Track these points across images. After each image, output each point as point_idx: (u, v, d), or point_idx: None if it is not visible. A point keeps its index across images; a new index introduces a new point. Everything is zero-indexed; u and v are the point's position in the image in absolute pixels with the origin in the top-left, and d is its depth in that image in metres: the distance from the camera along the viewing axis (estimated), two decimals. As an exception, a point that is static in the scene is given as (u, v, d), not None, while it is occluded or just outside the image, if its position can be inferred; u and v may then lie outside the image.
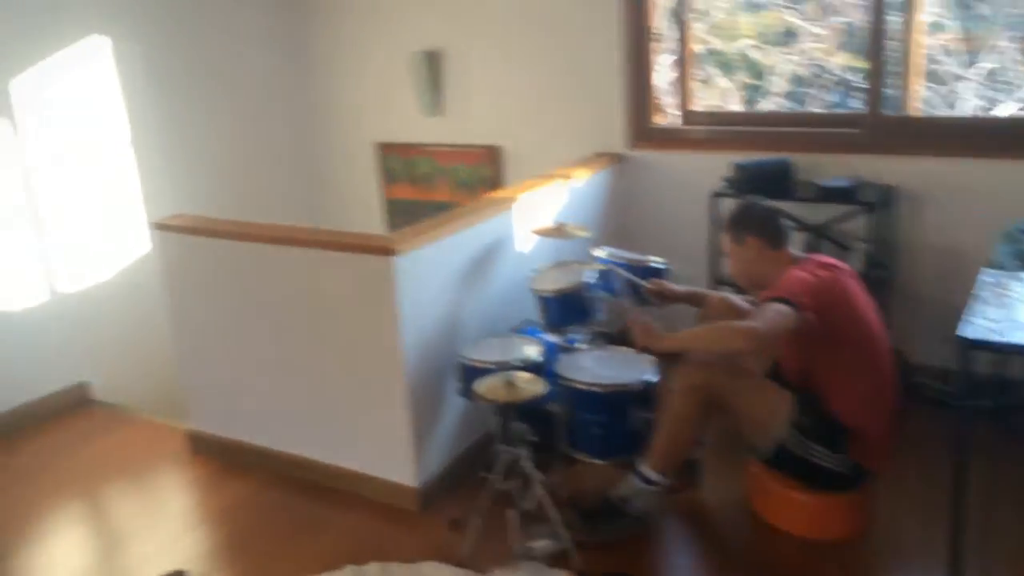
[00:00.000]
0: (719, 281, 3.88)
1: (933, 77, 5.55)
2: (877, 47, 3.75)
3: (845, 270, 2.74)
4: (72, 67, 3.97)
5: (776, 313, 2.55)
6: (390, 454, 3.07)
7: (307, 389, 3.22)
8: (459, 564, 2.71)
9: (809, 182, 3.78)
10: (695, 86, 4.42)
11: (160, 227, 3.35)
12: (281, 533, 3.00)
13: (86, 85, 4.04)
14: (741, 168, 3.83)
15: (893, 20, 3.73)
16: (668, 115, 4.36)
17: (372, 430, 3.10)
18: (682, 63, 4.23)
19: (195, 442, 3.53)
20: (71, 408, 3.93)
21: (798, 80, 7.78)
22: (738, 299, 3.08)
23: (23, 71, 3.80)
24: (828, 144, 3.88)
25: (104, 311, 4.11)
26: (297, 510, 3.12)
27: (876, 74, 3.79)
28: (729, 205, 3.88)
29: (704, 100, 4.59)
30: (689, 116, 4.29)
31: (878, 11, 3.70)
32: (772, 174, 3.83)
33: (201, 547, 2.96)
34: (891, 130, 3.78)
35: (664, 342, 2.73)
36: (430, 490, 3.09)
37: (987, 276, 2.69)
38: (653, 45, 4.25)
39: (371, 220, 5.20)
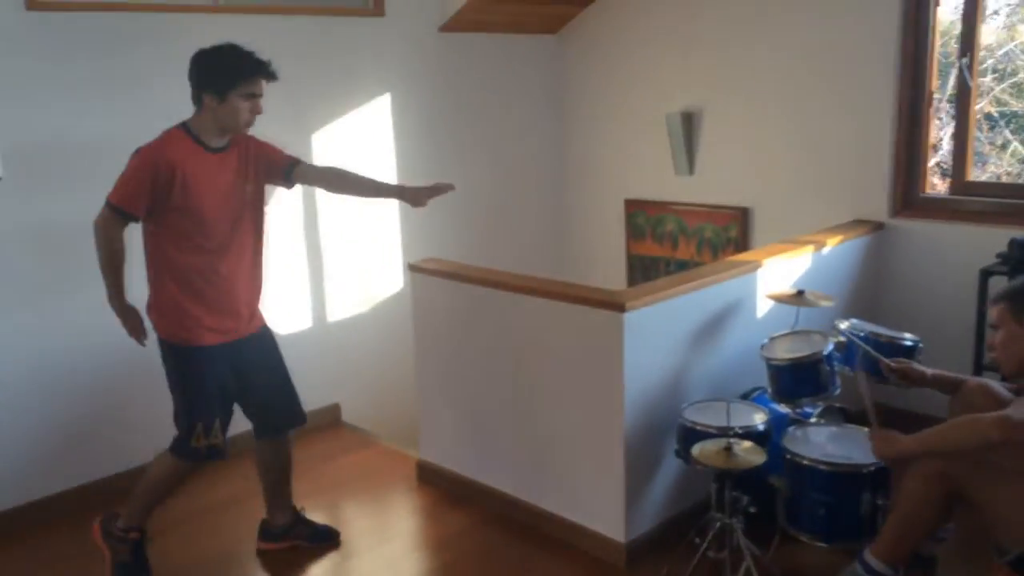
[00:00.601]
0: (982, 367, 3.52)
1: None
2: None
3: None
4: (360, 122, 4.43)
5: None
6: (602, 507, 3.07)
7: (531, 433, 3.31)
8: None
9: (1101, 265, 3.36)
10: (987, 151, 4.09)
11: (414, 268, 3.62)
12: (490, 569, 3.10)
13: (367, 137, 4.48)
14: (1019, 244, 3.48)
15: None
16: (941, 183, 4.07)
17: (587, 481, 3.13)
18: (962, 128, 3.93)
19: (423, 471, 3.73)
20: (324, 426, 4.31)
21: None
22: (999, 386, 2.78)
23: (322, 127, 4.29)
24: None
25: (360, 341, 4.49)
26: (508, 549, 3.21)
27: None
28: (1000, 284, 3.57)
29: (995, 167, 4.24)
30: (963, 186, 3.97)
31: None
32: (1055, 253, 3.45)
33: (416, 571, 3.13)
34: None
35: (906, 446, 2.52)
36: (638, 548, 3.04)
37: None
38: (932, 109, 4.00)
39: (614, 275, 5.27)
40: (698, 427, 2.87)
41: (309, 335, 4.30)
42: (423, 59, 4.71)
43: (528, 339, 3.25)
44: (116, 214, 2.76)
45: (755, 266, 3.38)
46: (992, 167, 7.47)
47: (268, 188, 3.05)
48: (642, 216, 5.15)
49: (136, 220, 2.79)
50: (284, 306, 4.19)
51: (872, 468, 2.68)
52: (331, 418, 4.39)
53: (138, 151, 2.77)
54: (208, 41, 2.81)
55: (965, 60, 3.81)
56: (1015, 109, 7.52)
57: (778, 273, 3.47)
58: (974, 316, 3.56)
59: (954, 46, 4.31)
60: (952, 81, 3.98)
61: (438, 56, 4.77)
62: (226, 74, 2.76)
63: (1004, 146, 7.65)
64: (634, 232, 5.22)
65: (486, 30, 4.95)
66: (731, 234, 4.73)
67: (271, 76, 2.82)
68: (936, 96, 4.01)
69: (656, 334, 3.02)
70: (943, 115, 7.04)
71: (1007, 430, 2.28)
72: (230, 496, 3.67)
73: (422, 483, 3.73)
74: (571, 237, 5.61)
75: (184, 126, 2.83)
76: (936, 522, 2.57)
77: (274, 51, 2.87)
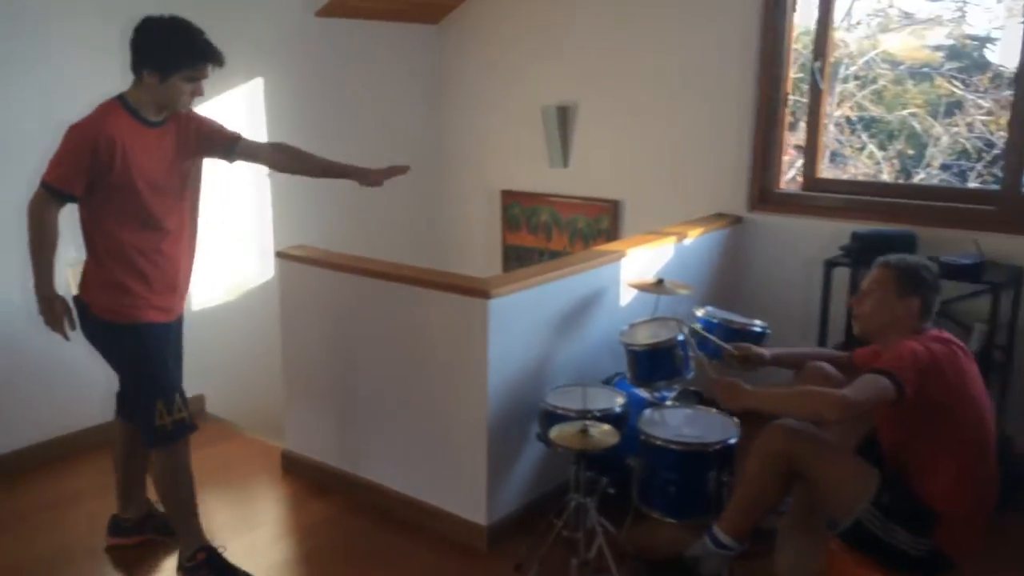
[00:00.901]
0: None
1: None
2: (1019, 122, 3.57)
3: (961, 348, 2.58)
4: (231, 106, 4.32)
5: (873, 386, 2.47)
6: (465, 491, 3.12)
7: (396, 421, 3.33)
8: (517, 607, 2.72)
9: (932, 258, 3.60)
10: (848, 153, 4.33)
11: (281, 256, 3.58)
12: (353, 557, 3.10)
13: (238, 123, 4.35)
14: (860, 238, 3.71)
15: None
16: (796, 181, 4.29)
17: (451, 466, 3.17)
18: (813, 129, 4.16)
19: (288, 461, 3.70)
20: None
21: (963, 153, 7.45)
22: (833, 370, 2.97)
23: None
24: (955, 219, 3.71)
25: (226, 330, 4.38)
26: (372, 536, 3.22)
27: (1016, 151, 3.61)
28: (843, 275, 3.81)
29: (854, 168, 4.50)
30: (814, 182, 4.20)
31: (1023, 88, 3.54)
32: (893, 246, 3.67)
33: (279, 560, 3.11)
34: (1027, 209, 3.58)
35: (748, 399, 2.66)
36: (501, 530, 3.11)
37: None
38: (786, 110, 4.21)
39: (490, 265, 5.34)
40: (559, 410, 2.95)
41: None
42: (298, 44, 4.65)
43: (395, 326, 3.26)
44: (52, 194, 2.62)
45: (619, 256, 3.49)
46: (852, 168, 7.91)
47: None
48: (517, 207, 5.23)
49: (74, 199, 2.66)
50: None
51: (718, 447, 2.82)
52: (194, 409, 4.23)
53: (72, 127, 2.62)
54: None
55: (818, 64, 4.03)
56: (873, 114, 7.99)
57: (641, 263, 3.60)
58: (819, 304, 3.79)
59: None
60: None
61: (314, 41, 4.71)
62: (172, 54, 2.62)
63: (862, 148, 8.13)
64: (510, 223, 5.29)
65: (364, 17, 4.92)
66: (603, 225, 4.86)
67: (220, 62, 2.69)
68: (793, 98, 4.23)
69: (521, 321, 3.08)
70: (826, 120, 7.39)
71: (843, 410, 2.44)
72: (75, 491, 3.56)
73: (287, 473, 3.69)
74: (447, 227, 5.65)
75: (121, 99, 2.69)
76: (777, 498, 2.72)
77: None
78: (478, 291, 2.96)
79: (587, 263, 3.35)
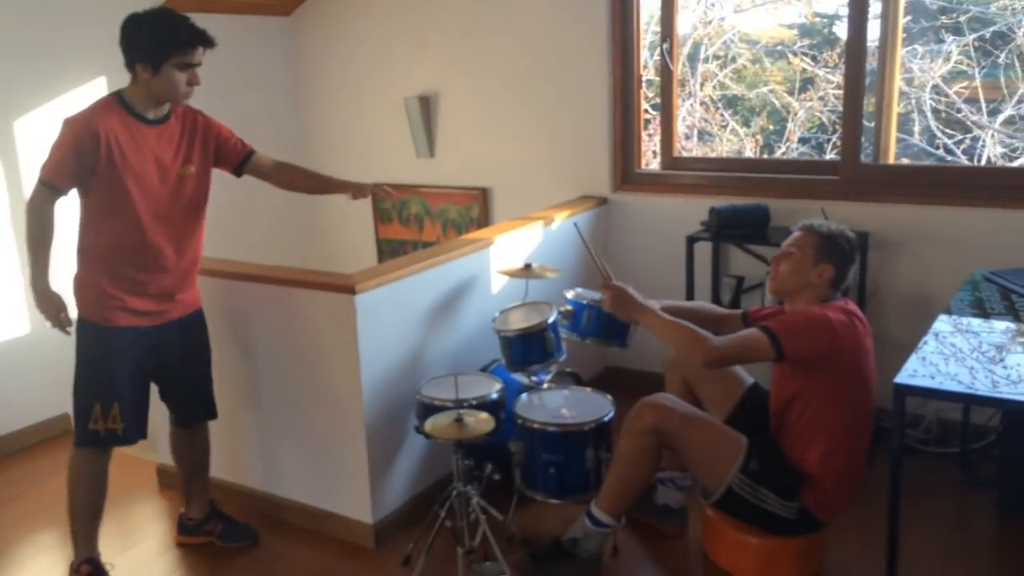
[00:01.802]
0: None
1: (957, 126, 5.59)
2: (854, 94, 3.78)
3: (862, 322, 2.65)
4: (71, 108, 4.09)
5: (749, 343, 2.56)
6: (348, 491, 3.09)
7: (273, 425, 3.26)
8: (405, 602, 2.71)
9: (784, 228, 3.78)
10: (715, 130, 4.46)
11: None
12: (239, 565, 3.03)
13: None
14: (717, 213, 3.85)
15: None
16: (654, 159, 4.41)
17: (331, 466, 3.13)
18: (667, 109, 4.28)
19: (164, 476, 3.58)
20: (53, 438, 4.03)
21: (820, 127, 7.83)
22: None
23: (26, 114, 3.95)
24: (805, 190, 3.89)
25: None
26: (261, 544, 3.15)
27: (852, 122, 3.81)
28: (704, 249, 3.95)
29: (721, 146, 4.65)
30: (671, 161, 4.33)
31: (856, 61, 3.73)
32: (748, 219, 3.85)
33: (167, 571, 3.02)
34: (866, 178, 3.79)
35: (635, 311, 2.73)
36: (387, 527, 3.10)
37: (940, 322, 2.69)
38: (642, 91, 4.32)
39: (365, 261, 5.26)
40: (435, 402, 2.96)
41: (33, 339, 3.97)
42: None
43: (266, 329, 3.19)
44: (46, 188, 2.61)
45: (486, 243, 3.52)
46: (718, 145, 8.21)
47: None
48: (387, 200, 5.18)
49: (63, 193, 2.63)
50: (5, 307, 3.85)
51: (593, 425, 2.88)
52: (61, 428, 4.06)
53: (65, 120, 2.60)
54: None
55: (666, 45, 4.15)
56: (735, 92, 8.30)
57: (510, 249, 3.64)
58: (683, 277, 3.92)
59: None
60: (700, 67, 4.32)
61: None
62: (159, 44, 2.59)
63: (725, 126, 8.43)
64: (381, 216, 5.24)
65: (213, 10, 4.74)
66: (473, 214, 4.87)
67: (209, 43, 2.66)
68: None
69: (391, 314, 3.06)
70: (690, 99, 7.62)
71: (708, 358, 2.57)
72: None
73: (163, 487, 3.58)
74: (319, 225, 5.54)
75: (118, 94, 2.67)
76: (650, 474, 2.80)
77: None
78: (343, 287, 2.92)
79: (454, 252, 3.35)
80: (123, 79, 4.16)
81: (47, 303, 2.69)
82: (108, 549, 3.12)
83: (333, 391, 3.05)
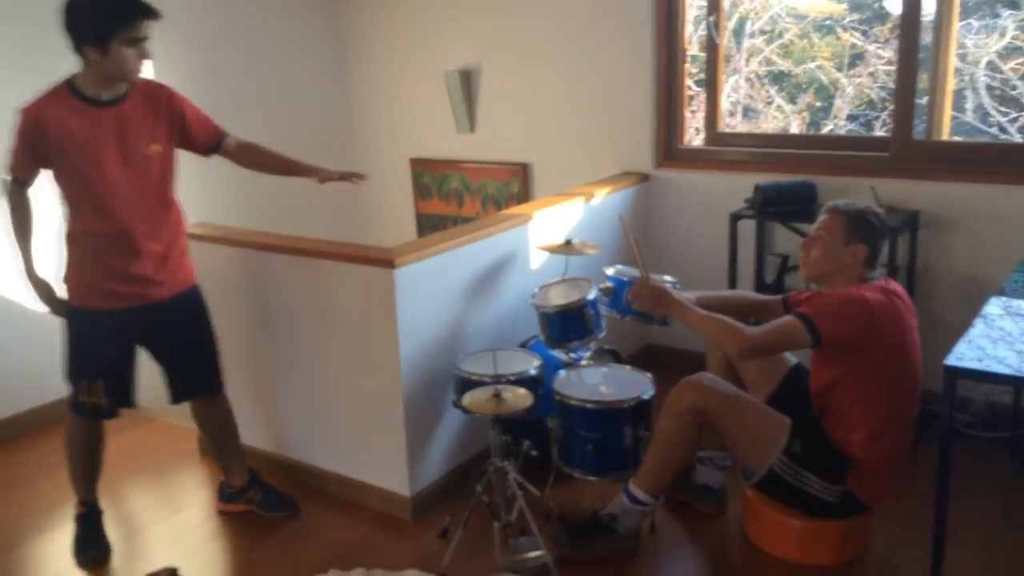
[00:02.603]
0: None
1: (1012, 103, 5.42)
2: (907, 70, 3.67)
3: (904, 301, 2.59)
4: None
5: (785, 332, 2.52)
6: (386, 463, 3.10)
7: (312, 397, 3.28)
8: (440, 574, 2.72)
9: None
10: (760, 107, 4.37)
11: (197, 237, 3.45)
12: (277, 535, 3.07)
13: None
14: (762, 190, 3.77)
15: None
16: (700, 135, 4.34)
17: (370, 439, 3.14)
18: (712, 84, 4.20)
19: (204, 444, 3.61)
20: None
21: (869, 103, 7.66)
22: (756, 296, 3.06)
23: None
24: (854, 167, 3.80)
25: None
26: (297, 515, 3.17)
27: (905, 98, 3.71)
28: (748, 227, 3.88)
29: (766, 123, 4.54)
30: (715, 137, 4.25)
31: (910, 36, 3.62)
32: (795, 196, 3.77)
33: (204, 541, 3.06)
34: (918, 155, 3.69)
35: (672, 307, 2.71)
36: (424, 500, 3.11)
37: (992, 304, 2.61)
38: (685, 66, 4.24)
39: (404, 234, 5.26)
40: (473, 376, 2.95)
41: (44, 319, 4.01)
42: (185, 11, 4.46)
43: (305, 302, 3.20)
44: (12, 182, 2.69)
45: (526, 219, 3.49)
46: (763, 122, 8.06)
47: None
48: (428, 175, 5.17)
49: (29, 183, 2.70)
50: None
51: (632, 403, 2.85)
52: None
53: (20, 110, 2.61)
54: None
55: (712, 18, 4.06)
56: (781, 68, 8.14)
57: (550, 224, 3.60)
58: (726, 256, 3.85)
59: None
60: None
61: (206, 12, 4.53)
62: (104, 22, 2.54)
63: (771, 102, 8.28)
64: (421, 191, 5.23)
65: (256, -15, 4.76)
66: (513, 189, 4.84)
67: (154, 15, 2.62)
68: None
69: (430, 289, 3.05)
70: (734, 74, 7.50)
71: (742, 348, 2.56)
72: (9, 479, 3.53)
73: (205, 456, 3.61)
74: (360, 198, 5.53)
75: (69, 82, 2.65)
76: (690, 454, 2.77)
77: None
78: (383, 260, 2.91)
79: (494, 227, 3.33)
80: (165, 49, 4.18)
81: (37, 289, 2.79)
82: (150, 516, 3.23)
83: (372, 364, 3.05)
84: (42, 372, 3.54)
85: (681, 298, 2.73)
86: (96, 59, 2.57)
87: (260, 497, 3.19)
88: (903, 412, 2.63)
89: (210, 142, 2.97)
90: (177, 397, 3.06)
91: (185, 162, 4.35)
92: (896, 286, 2.63)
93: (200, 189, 4.48)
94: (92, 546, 2.97)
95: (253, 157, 3.12)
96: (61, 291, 2.84)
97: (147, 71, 2.76)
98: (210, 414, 3.14)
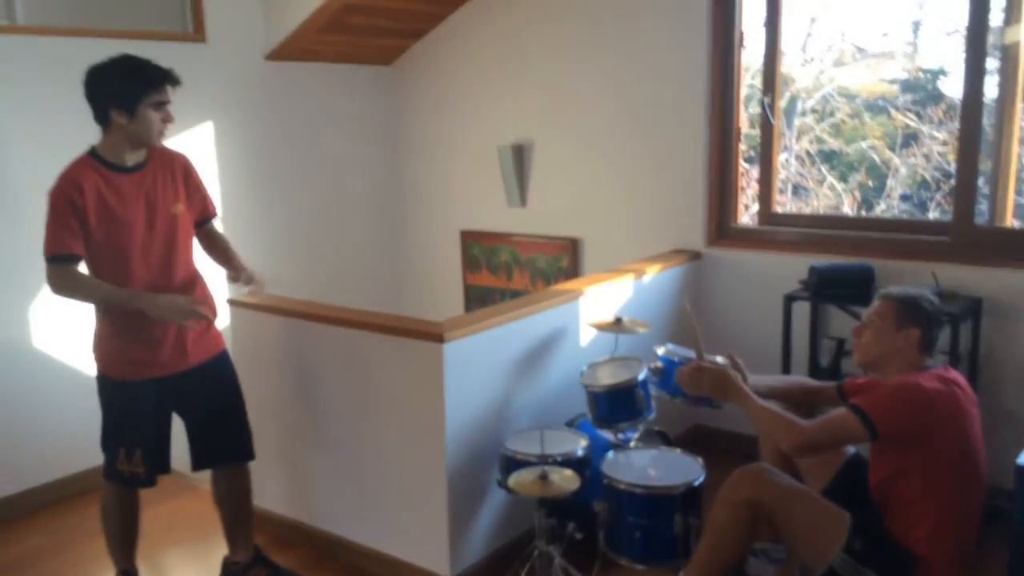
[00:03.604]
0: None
1: None
2: (969, 153, 3.60)
3: (963, 389, 2.48)
4: (182, 150, 4.24)
5: (840, 426, 2.44)
6: (426, 541, 3.03)
7: (354, 470, 3.24)
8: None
9: (890, 289, 3.62)
10: (810, 186, 4.34)
11: (233, 303, 3.49)
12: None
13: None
14: (818, 272, 3.70)
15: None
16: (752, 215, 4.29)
17: (411, 515, 3.08)
18: (767, 163, 4.17)
19: (246, 513, 3.58)
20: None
21: (923, 184, 7.57)
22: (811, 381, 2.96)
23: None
24: (912, 251, 3.72)
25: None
26: (334, 591, 3.11)
27: (966, 182, 3.63)
28: (802, 309, 3.79)
29: (816, 201, 4.50)
30: (769, 217, 4.21)
31: (972, 119, 3.57)
32: (851, 279, 3.69)
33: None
34: (981, 240, 3.59)
35: (734, 393, 2.64)
36: (465, 582, 3.02)
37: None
38: (739, 146, 4.23)
39: (452, 306, 5.27)
40: (518, 456, 2.89)
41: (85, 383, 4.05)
42: (248, 87, 4.59)
43: (351, 373, 3.18)
44: (59, 263, 2.66)
45: (576, 295, 3.45)
46: (814, 200, 8.01)
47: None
48: (477, 247, 5.18)
49: (79, 258, 2.68)
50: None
51: (683, 489, 2.76)
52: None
53: (50, 192, 2.65)
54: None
55: (767, 99, 4.05)
56: (832, 147, 8.11)
57: (600, 301, 3.56)
58: (779, 338, 3.76)
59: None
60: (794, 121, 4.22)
61: (264, 85, 4.66)
62: (132, 87, 2.64)
63: (823, 181, 8.23)
64: (470, 263, 5.24)
65: (316, 59, 4.89)
66: (562, 264, 4.82)
67: (176, 82, 2.73)
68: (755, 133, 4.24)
69: (478, 364, 3.02)
70: (784, 152, 7.49)
71: (796, 445, 2.49)
72: (25, 554, 3.47)
73: (244, 527, 3.56)
74: (408, 269, 5.59)
75: (91, 152, 2.72)
76: (744, 548, 2.65)
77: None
78: (432, 335, 2.89)
79: (544, 303, 3.30)
80: (230, 121, 4.30)
81: (172, 305, 2.70)
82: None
83: (416, 439, 3.01)
84: (88, 434, 3.55)
85: (742, 383, 2.66)
86: (122, 123, 2.65)
87: (265, 574, 3.13)
88: (968, 504, 2.50)
89: (201, 217, 2.99)
90: (201, 463, 3.03)
91: (238, 229, 4.44)
92: (955, 374, 2.53)
93: (250, 257, 4.55)
94: None
95: (215, 244, 3.12)
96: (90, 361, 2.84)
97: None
98: (231, 484, 3.09)
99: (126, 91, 2.63)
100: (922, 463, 2.43)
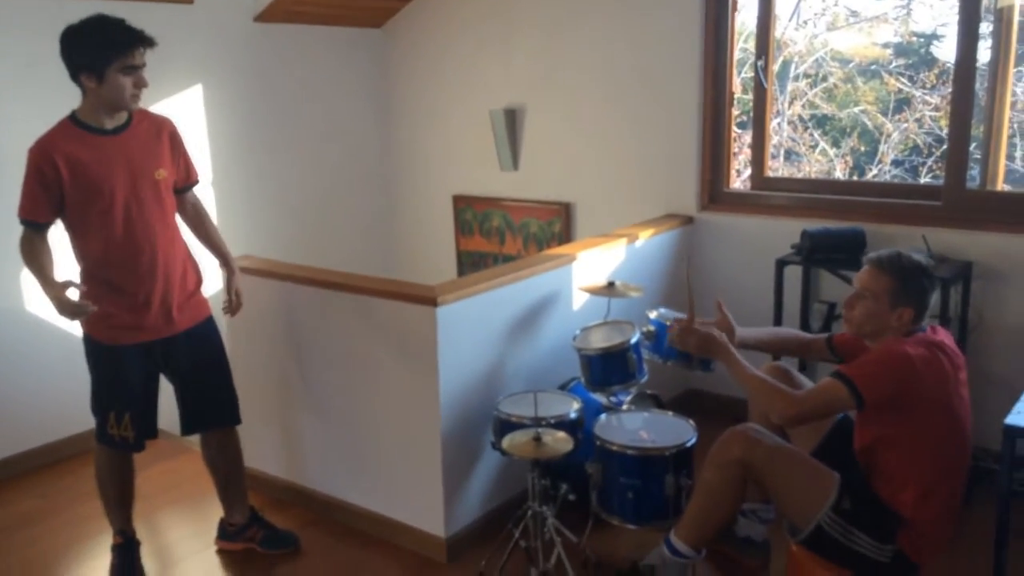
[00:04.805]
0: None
1: None
2: (961, 117, 3.61)
3: (948, 354, 2.47)
4: (171, 114, 4.21)
5: (829, 397, 2.45)
6: (422, 503, 3.07)
7: (349, 433, 3.26)
8: (475, 621, 2.66)
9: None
10: (803, 150, 4.34)
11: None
12: (312, 573, 3.04)
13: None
14: (810, 236, 3.71)
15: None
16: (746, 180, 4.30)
17: (406, 478, 3.11)
18: (760, 127, 4.16)
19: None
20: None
21: (915, 149, 7.57)
22: (797, 375, 2.96)
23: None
24: (904, 215, 3.73)
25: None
26: (331, 551, 3.15)
27: (959, 147, 3.64)
28: (794, 273, 3.81)
29: (808, 166, 4.51)
30: (762, 181, 4.21)
31: (965, 83, 3.57)
32: (843, 243, 3.70)
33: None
34: (972, 205, 3.61)
35: (722, 354, 2.67)
36: (459, 542, 3.06)
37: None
38: (732, 110, 4.21)
39: (445, 272, 5.28)
40: (512, 418, 2.91)
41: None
42: (236, 50, 4.55)
43: (345, 337, 3.19)
44: (27, 227, 2.67)
45: (569, 259, 3.46)
46: (806, 165, 8.00)
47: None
48: (470, 212, 5.18)
49: (46, 227, 2.66)
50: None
51: (674, 450, 2.79)
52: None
53: (28, 151, 2.62)
54: None
55: (761, 62, 4.04)
56: (825, 112, 8.09)
57: (593, 266, 3.57)
58: (771, 302, 3.79)
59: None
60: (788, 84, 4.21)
61: (253, 47, 4.61)
62: (100, 51, 2.57)
63: (814, 146, 8.21)
64: (462, 228, 5.24)
65: (305, 21, 4.83)
66: (555, 229, 4.82)
67: (149, 43, 2.64)
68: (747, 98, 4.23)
69: (471, 328, 3.03)
70: (776, 117, 7.46)
71: (786, 416, 2.50)
72: (20, 517, 3.50)
73: (240, 489, 3.60)
74: (400, 234, 5.58)
75: (71, 115, 2.69)
76: (734, 507, 2.68)
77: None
78: (426, 298, 2.90)
79: (537, 267, 3.31)
80: (219, 84, 4.27)
81: (60, 299, 2.64)
82: (185, 548, 3.22)
83: (410, 402, 3.03)
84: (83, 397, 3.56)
85: (730, 347, 2.68)
86: (93, 87, 2.60)
87: (261, 535, 3.17)
88: (952, 470, 2.53)
89: (182, 184, 2.95)
90: (189, 428, 3.04)
91: (229, 193, 4.43)
92: (943, 337, 2.53)
93: (242, 221, 4.55)
94: None
95: (198, 221, 3.07)
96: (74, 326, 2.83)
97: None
98: (221, 449, 3.11)
99: (94, 55, 2.57)
100: (906, 429, 2.45)
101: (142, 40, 2.62)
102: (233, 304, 3.13)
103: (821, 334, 2.97)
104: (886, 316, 2.51)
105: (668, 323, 3.16)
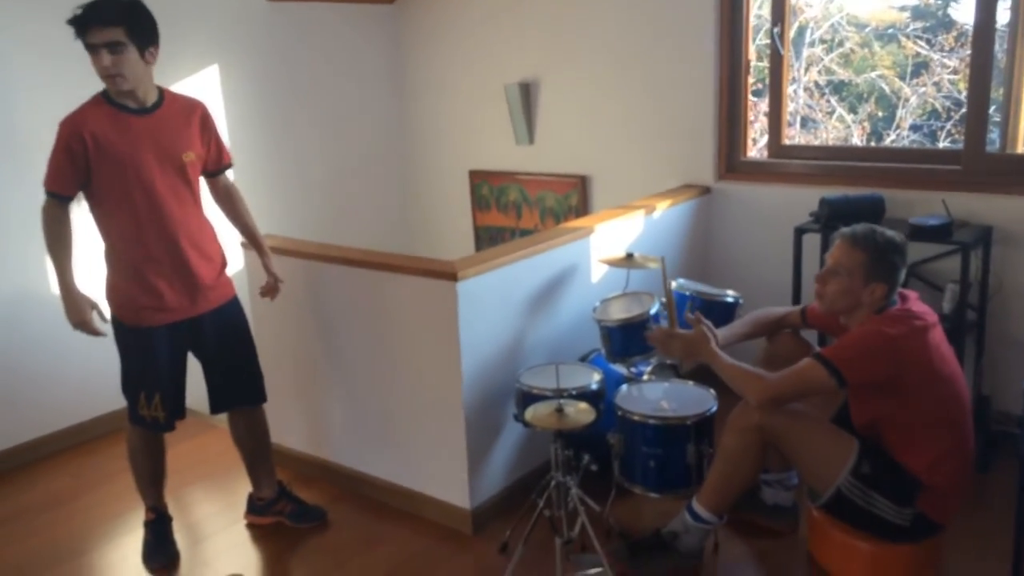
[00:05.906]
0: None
1: None
2: (980, 80, 3.57)
3: (923, 321, 2.49)
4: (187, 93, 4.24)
5: (806, 376, 2.48)
6: (446, 476, 3.11)
7: (372, 407, 3.30)
8: (501, 589, 2.71)
9: (901, 220, 3.62)
10: (819, 117, 4.30)
11: (246, 246, 3.51)
12: (339, 546, 3.09)
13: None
14: (828, 203, 3.70)
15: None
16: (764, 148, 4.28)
17: (430, 451, 3.15)
18: (776, 95, 4.14)
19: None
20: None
21: (933, 113, 7.47)
22: (802, 339, 2.97)
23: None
24: (923, 180, 3.71)
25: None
26: (357, 524, 3.21)
27: (978, 110, 3.61)
28: (813, 241, 3.80)
29: (826, 133, 4.46)
30: (779, 149, 4.19)
31: (983, 45, 3.53)
32: (863, 210, 3.68)
33: (266, 552, 3.10)
34: (992, 168, 3.59)
35: (708, 356, 2.69)
36: (484, 513, 3.10)
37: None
38: (748, 78, 4.19)
39: (462, 246, 5.30)
40: (534, 390, 2.94)
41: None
42: (251, 29, 4.56)
43: (366, 313, 3.22)
44: (51, 198, 2.69)
45: (587, 232, 3.47)
46: (823, 132, 7.92)
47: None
48: (486, 186, 5.18)
49: (69, 200, 2.69)
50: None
51: (695, 419, 2.81)
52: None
53: (60, 123, 2.65)
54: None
55: (777, 29, 4.01)
56: (841, 77, 7.99)
57: (611, 238, 3.58)
58: (790, 270, 3.78)
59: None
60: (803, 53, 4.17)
61: (267, 26, 4.62)
62: (76, 32, 2.57)
63: (831, 112, 8.13)
64: (479, 203, 5.25)
65: (318, -1, 4.83)
66: (572, 202, 4.83)
67: (98, 19, 2.53)
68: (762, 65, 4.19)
69: (491, 302, 3.06)
70: (793, 84, 7.37)
71: (762, 400, 2.54)
72: (51, 496, 3.57)
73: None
74: (417, 210, 5.60)
75: (102, 91, 2.70)
76: (754, 472, 2.71)
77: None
78: (445, 273, 2.92)
79: (555, 240, 3.32)
80: (234, 64, 4.26)
81: (70, 305, 2.73)
82: (216, 523, 3.28)
83: (433, 376, 3.06)
84: (109, 378, 3.63)
85: (711, 345, 2.70)
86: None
87: (290, 509, 3.22)
88: (959, 429, 2.55)
89: (214, 167, 2.98)
90: (217, 407, 3.09)
91: (246, 172, 4.45)
92: (912, 303, 2.53)
93: (260, 200, 4.57)
94: (160, 553, 3.04)
95: (230, 204, 3.11)
96: (104, 308, 2.85)
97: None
98: (248, 426, 3.17)
99: (79, 37, 2.58)
100: (900, 405, 2.48)
101: (90, 17, 2.54)
102: (270, 286, 3.17)
103: (795, 307, 2.99)
104: (859, 292, 2.53)
105: (688, 293, 3.19)
